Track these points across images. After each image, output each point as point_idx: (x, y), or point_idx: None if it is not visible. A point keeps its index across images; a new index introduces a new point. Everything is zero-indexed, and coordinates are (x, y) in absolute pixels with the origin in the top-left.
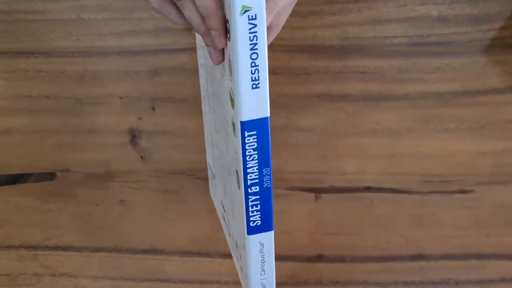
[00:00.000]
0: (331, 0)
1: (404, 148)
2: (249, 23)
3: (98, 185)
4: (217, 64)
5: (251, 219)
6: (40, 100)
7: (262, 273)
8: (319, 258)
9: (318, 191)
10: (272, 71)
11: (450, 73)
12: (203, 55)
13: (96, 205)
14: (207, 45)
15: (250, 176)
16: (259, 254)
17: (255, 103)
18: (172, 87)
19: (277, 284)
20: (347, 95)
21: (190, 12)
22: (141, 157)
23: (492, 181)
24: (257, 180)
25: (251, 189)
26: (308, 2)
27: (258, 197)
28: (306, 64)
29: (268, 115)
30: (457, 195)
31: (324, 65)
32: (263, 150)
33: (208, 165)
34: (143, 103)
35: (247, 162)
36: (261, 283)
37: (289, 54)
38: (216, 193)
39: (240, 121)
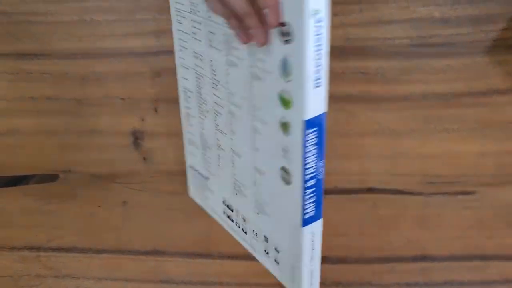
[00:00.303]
0: (333, 1)
1: (406, 149)
2: (316, 26)
3: (101, 186)
4: (261, 46)
5: (306, 211)
6: (43, 102)
7: (312, 260)
8: (322, 259)
9: None
10: None
11: (452, 74)
12: (187, 56)
13: (99, 206)
14: (250, 27)
15: (308, 171)
16: (311, 243)
17: (316, 101)
18: (174, 88)
19: (278, 286)
20: (349, 96)
21: None
22: (144, 158)
23: (495, 182)
24: (314, 174)
25: (308, 183)
26: None
27: (314, 189)
28: None
29: (325, 110)
30: (460, 196)
31: None
32: (320, 145)
33: (189, 167)
34: (145, 105)
35: (307, 158)
36: (310, 270)
37: None
38: (209, 194)
39: (303, 120)
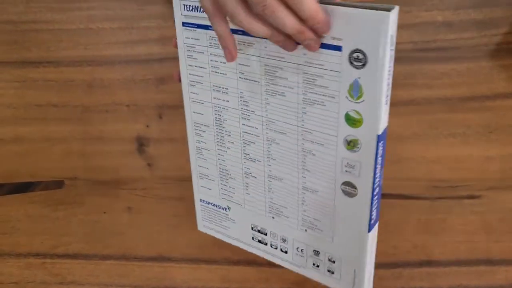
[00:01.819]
0: None
1: (411, 153)
2: (391, 50)
3: (106, 192)
4: (314, 51)
5: (372, 217)
6: (48, 109)
7: (371, 262)
8: None
9: None
10: None
11: (456, 78)
12: (201, 91)
13: (104, 212)
14: (301, 41)
15: (376, 180)
16: (371, 246)
17: (385, 116)
18: (178, 95)
19: None
20: None
21: (284, 16)
22: (148, 165)
23: (501, 186)
24: (379, 182)
25: (375, 191)
26: None
27: (377, 196)
28: None
29: (387, 124)
30: (466, 201)
31: None
32: (383, 156)
33: (200, 201)
34: (150, 111)
35: (377, 168)
36: (370, 272)
37: None
38: (230, 224)
39: (377, 135)
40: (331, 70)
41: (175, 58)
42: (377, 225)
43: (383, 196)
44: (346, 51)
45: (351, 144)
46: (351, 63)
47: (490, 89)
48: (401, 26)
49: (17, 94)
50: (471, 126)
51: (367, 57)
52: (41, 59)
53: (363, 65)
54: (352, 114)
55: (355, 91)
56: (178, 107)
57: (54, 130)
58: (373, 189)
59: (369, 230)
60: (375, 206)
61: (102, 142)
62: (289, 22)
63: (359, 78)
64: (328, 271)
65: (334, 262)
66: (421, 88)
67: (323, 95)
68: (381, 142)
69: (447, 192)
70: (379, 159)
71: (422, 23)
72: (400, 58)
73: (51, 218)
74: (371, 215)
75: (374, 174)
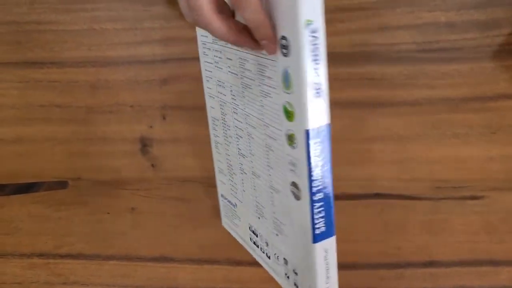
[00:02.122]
0: (339, 7)
1: (413, 154)
2: (311, 36)
3: (109, 193)
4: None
5: (316, 226)
6: (52, 109)
7: (327, 280)
8: None
9: None
10: None
11: (458, 79)
12: (212, 86)
13: (107, 213)
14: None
15: (314, 184)
16: (324, 261)
17: (318, 111)
18: (182, 96)
19: None
20: (355, 101)
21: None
22: (152, 165)
23: (504, 186)
24: (321, 187)
25: (316, 197)
26: None
27: (322, 203)
28: None
29: (329, 121)
30: (469, 201)
31: (333, 72)
32: (326, 157)
33: (220, 196)
34: (153, 112)
35: (313, 170)
36: None
37: None
38: (237, 221)
39: (305, 130)
40: (271, 60)
41: (179, 59)
42: (331, 240)
43: (385, 196)
44: (277, 38)
45: (291, 139)
46: (281, 49)
47: (493, 90)
48: (403, 27)
49: (21, 94)
50: (474, 126)
51: (290, 44)
52: (45, 60)
53: (289, 53)
54: (287, 106)
55: (287, 81)
56: (181, 108)
57: (57, 130)
58: (311, 193)
59: (315, 241)
60: (320, 215)
61: (105, 142)
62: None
63: (289, 67)
64: (295, 284)
65: (297, 274)
66: (423, 88)
67: (270, 86)
68: (315, 140)
69: (449, 192)
70: (314, 158)
71: (425, 23)
72: (402, 58)
73: (54, 219)
74: (313, 223)
75: (310, 175)
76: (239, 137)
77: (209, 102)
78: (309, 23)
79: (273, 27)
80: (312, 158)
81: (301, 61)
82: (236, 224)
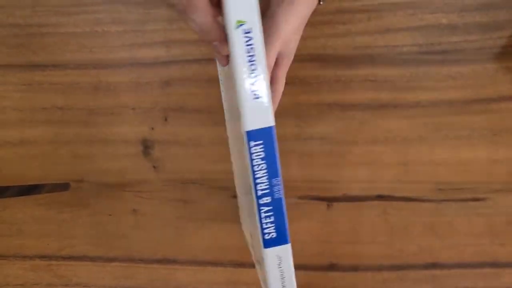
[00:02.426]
0: (341, 9)
1: (416, 156)
2: (245, 37)
3: (112, 195)
4: (225, 66)
5: (265, 231)
6: (54, 112)
7: None
8: (332, 267)
9: (330, 199)
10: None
11: (461, 81)
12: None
13: (110, 215)
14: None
15: (260, 187)
16: (278, 268)
17: (259, 113)
18: (184, 98)
19: None
20: (358, 103)
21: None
22: (154, 167)
23: (506, 188)
24: (267, 191)
25: (262, 200)
26: (319, 12)
27: (270, 208)
28: (317, 73)
29: (273, 124)
30: (471, 203)
31: (335, 74)
32: (271, 160)
33: (238, 194)
34: (155, 114)
35: (256, 172)
36: None
37: (300, 63)
38: (244, 220)
39: (246, 131)
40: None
41: (181, 61)
42: (285, 248)
43: (387, 198)
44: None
45: (242, 141)
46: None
47: (495, 92)
48: (405, 29)
49: (23, 97)
50: (476, 128)
51: (228, 42)
52: (47, 62)
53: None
54: (238, 107)
55: (234, 83)
56: (183, 110)
57: (60, 132)
58: (257, 197)
59: (265, 246)
60: (269, 220)
61: (107, 144)
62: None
63: (230, 64)
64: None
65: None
66: (426, 90)
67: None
68: (257, 143)
69: (452, 194)
70: (258, 162)
71: (427, 25)
72: (404, 60)
73: (57, 220)
74: (262, 228)
75: (254, 178)
76: (237, 139)
77: (224, 97)
78: (241, 23)
79: (223, 29)
80: (253, 161)
81: (235, 62)
82: (245, 227)
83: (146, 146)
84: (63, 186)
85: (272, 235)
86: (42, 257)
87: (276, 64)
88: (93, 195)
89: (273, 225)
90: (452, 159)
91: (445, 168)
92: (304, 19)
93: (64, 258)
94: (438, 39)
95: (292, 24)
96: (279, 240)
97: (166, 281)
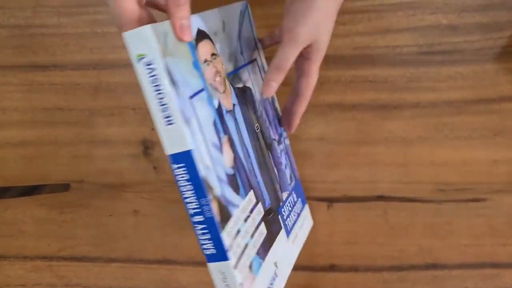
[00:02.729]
0: (341, 10)
1: (416, 156)
2: (147, 68)
3: (112, 195)
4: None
5: (204, 247)
6: (55, 112)
7: None
8: (332, 267)
9: (330, 200)
10: (284, 81)
11: (461, 81)
12: None
13: (110, 215)
14: None
15: (190, 206)
16: (224, 283)
17: (175, 138)
18: None
19: None
20: (358, 104)
21: None
22: (154, 168)
23: (507, 189)
24: (198, 210)
25: (195, 218)
26: None
27: (205, 226)
28: None
29: (191, 148)
30: (472, 204)
31: (335, 74)
32: (196, 182)
33: None
34: None
35: (183, 193)
36: None
37: None
38: None
39: (168, 155)
40: None
41: None
42: (227, 264)
43: (388, 199)
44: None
45: None
46: None
47: (495, 92)
48: (405, 29)
49: (24, 97)
50: (477, 129)
51: None
52: (48, 63)
53: None
54: None
55: None
56: None
57: (60, 133)
58: (190, 215)
59: (208, 261)
60: (205, 237)
61: (107, 145)
62: None
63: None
64: None
65: None
66: (426, 91)
67: None
68: (179, 166)
69: (452, 195)
70: (183, 183)
71: (427, 26)
72: (404, 61)
73: (57, 221)
74: (200, 244)
75: (184, 198)
76: None
77: None
78: (141, 57)
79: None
80: (179, 182)
81: (144, 93)
82: None
83: (146, 147)
84: (64, 187)
85: (212, 251)
86: (43, 257)
87: (308, 58)
88: (94, 195)
89: (210, 242)
90: (452, 159)
91: (445, 169)
92: (329, 9)
93: (64, 258)
94: (438, 40)
95: (313, 20)
96: (219, 257)
97: (166, 282)
